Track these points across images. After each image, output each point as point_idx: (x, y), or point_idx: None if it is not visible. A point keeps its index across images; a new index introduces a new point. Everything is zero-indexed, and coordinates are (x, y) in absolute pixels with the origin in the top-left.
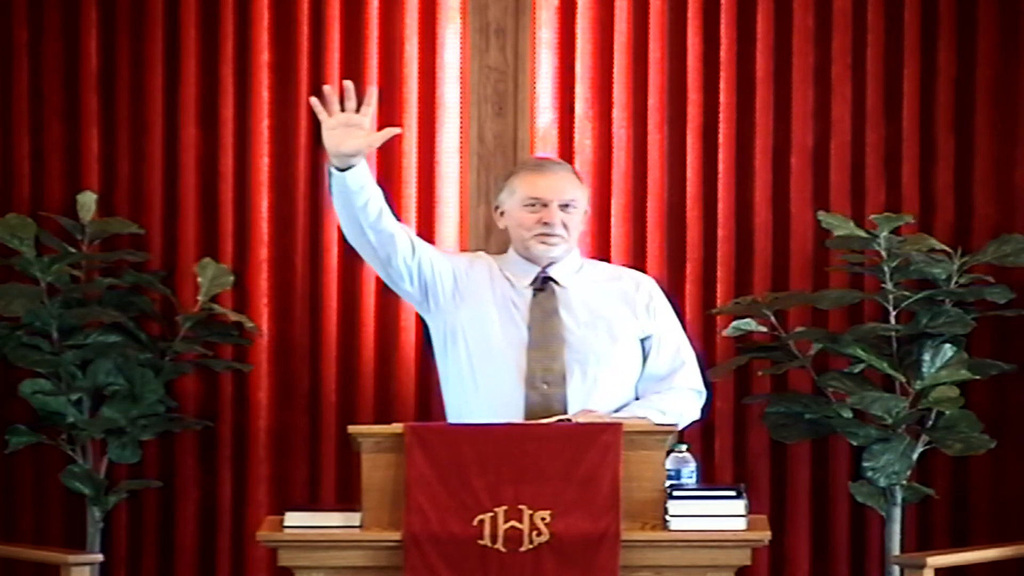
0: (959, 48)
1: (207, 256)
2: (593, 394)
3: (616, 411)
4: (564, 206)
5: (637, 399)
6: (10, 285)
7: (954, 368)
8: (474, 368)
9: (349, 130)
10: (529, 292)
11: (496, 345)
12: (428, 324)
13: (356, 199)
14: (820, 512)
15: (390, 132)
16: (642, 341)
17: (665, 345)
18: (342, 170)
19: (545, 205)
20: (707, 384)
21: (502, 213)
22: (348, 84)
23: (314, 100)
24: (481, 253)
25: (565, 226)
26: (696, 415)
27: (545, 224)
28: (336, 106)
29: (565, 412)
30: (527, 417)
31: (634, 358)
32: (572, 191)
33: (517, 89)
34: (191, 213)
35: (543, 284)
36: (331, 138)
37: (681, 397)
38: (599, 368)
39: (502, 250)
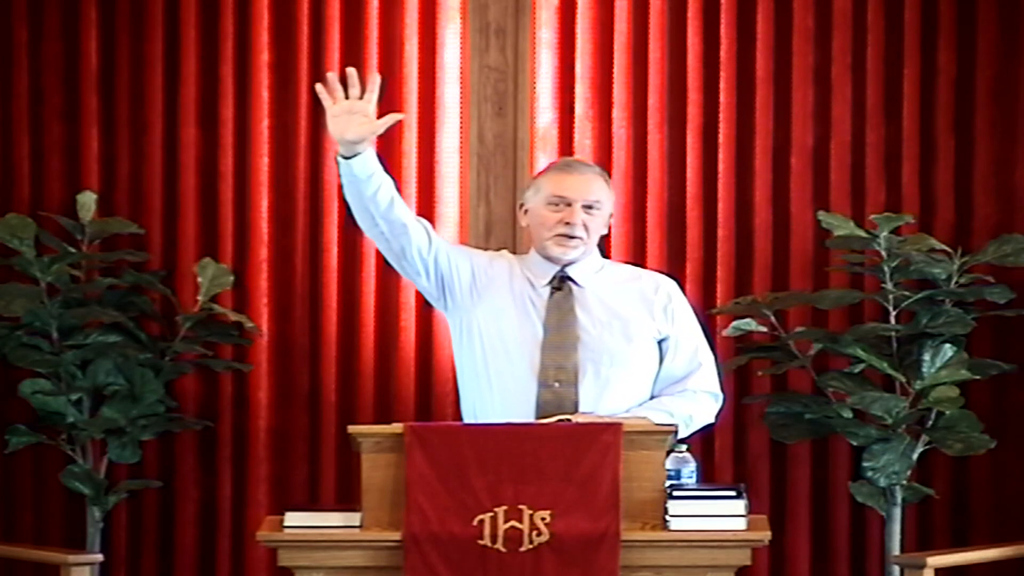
0: (959, 48)
1: (207, 256)
2: (605, 394)
3: (627, 412)
4: (588, 207)
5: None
6: (10, 285)
7: (954, 368)
8: (488, 365)
9: (353, 117)
10: (547, 291)
11: (511, 342)
12: (448, 321)
13: (365, 188)
14: (820, 512)
15: (393, 118)
16: (659, 343)
17: (682, 347)
18: (348, 158)
19: (569, 204)
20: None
21: (526, 211)
22: (351, 71)
23: (319, 87)
24: (504, 252)
25: (586, 227)
26: (710, 419)
27: (567, 224)
28: (340, 93)
29: (576, 411)
30: (539, 415)
31: (649, 359)
32: (597, 192)
33: (517, 89)
34: (191, 213)
35: (561, 283)
36: (335, 125)
37: (694, 400)
38: (612, 368)
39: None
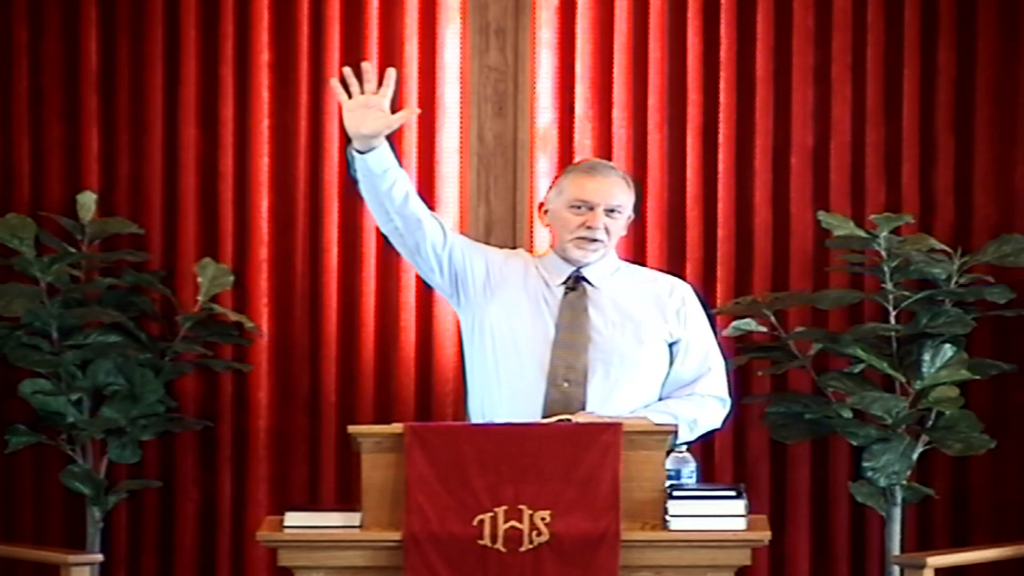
0: (959, 48)
1: (207, 256)
2: (614, 395)
3: (632, 413)
4: (610, 211)
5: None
6: (10, 285)
7: (954, 368)
8: (498, 362)
9: (368, 111)
10: (561, 291)
11: (522, 341)
12: (460, 317)
13: (380, 183)
14: (820, 512)
15: (408, 112)
16: (670, 346)
17: (693, 351)
18: (363, 153)
19: (591, 208)
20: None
21: (546, 212)
22: (366, 65)
23: (333, 81)
24: (520, 250)
25: (607, 231)
26: (716, 424)
27: (588, 228)
28: (355, 87)
29: (584, 411)
30: (545, 415)
31: (660, 361)
32: (620, 196)
33: (517, 89)
34: (191, 213)
35: (575, 283)
36: (351, 119)
37: (700, 404)
38: (622, 369)
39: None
